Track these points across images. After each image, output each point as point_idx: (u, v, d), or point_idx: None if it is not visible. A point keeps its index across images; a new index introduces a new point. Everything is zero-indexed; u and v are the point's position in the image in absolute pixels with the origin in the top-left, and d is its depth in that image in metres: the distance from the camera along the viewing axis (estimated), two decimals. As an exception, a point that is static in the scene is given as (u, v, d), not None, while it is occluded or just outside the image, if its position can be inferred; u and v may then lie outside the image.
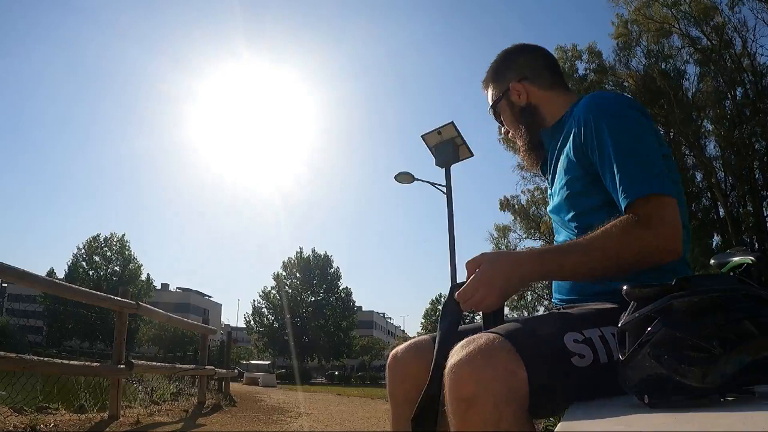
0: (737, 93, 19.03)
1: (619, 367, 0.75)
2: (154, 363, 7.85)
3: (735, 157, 18.62)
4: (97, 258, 43.64)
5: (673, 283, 0.70)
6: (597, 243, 0.96)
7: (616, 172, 1.01)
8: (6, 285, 44.88)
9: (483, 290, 0.95)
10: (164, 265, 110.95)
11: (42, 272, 5.67)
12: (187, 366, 7.84)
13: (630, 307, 0.75)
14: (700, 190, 20.23)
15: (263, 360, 38.24)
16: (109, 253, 43.96)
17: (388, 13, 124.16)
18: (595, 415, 0.74)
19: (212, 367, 7.10)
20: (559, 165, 1.19)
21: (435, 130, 7.79)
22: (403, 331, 79.06)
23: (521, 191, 24.05)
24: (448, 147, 7.79)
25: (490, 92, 1.36)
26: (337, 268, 44.19)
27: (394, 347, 1.28)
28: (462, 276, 1.19)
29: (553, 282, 1.22)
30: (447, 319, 1.05)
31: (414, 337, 1.32)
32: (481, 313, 1.03)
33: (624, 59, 20.62)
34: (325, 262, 43.82)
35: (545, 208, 1.44)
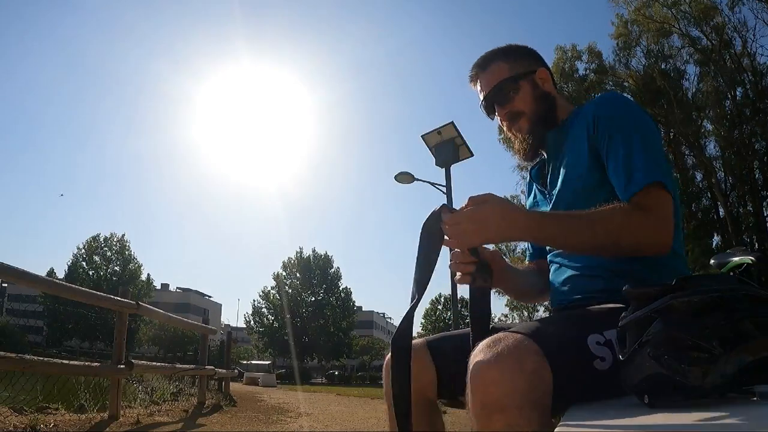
0: (737, 93, 19.04)
1: (619, 367, 0.75)
2: (154, 363, 7.86)
3: (735, 157, 18.62)
4: (97, 258, 43.63)
5: (673, 283, 0.70)
6: (598, 220, 0.97)
7: (623, 161, 1.02)
8: (6, 285, 44.85)
9: (471, 226, 0.94)
10: (164, 265, 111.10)
11: (42, 272, 5.68)
12: (187, 366, 7.84)
13: (630, 307, 0.75)
14: (700, 190, 20.24)
15: (263, 360, 38.24)
16: (109, 253, 43.96)
17: (388, 13, 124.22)
18: (595, 415, 0.74)
19: (212, 367, 7.10)
20: (568, 163, 1.16)
21: (435, 130, 7.79)
22: (403, 331, 78.84)
23: (521, 191, 24.03)
24: (448, 147, 7.79)
25: (497, 70, 1.25)
26: (338, 268, 44.23)
27: (392, 349, 1.28)
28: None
29: (553, 284, 1.22)
30: (429, 241, 1.01)
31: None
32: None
33: (624, 59, 20.64)
34: (325, 262, 43.83)
35: (544, 208, 1.39)
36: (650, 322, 0.70)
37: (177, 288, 66.24)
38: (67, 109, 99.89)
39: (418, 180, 8.88)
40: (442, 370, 1.15)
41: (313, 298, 42.63)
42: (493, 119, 1.31)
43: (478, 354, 0.82)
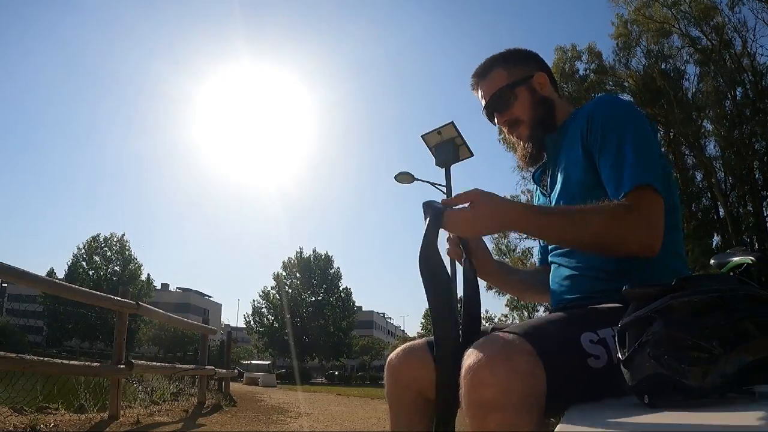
0: (737, 93, 19.04)
1: (619, 367, 0.75)
2: (154, 363, 7.86)
3: (735, 157, 18.61)
4: (97, 258, 43.62)
5: (673, 283, 0.70)
6: (586, 215, 0.98)
7: (615, 160, 1.02)
8: (6, 285, 44.86)
9: (464, 225, 1.00)
10: (164, 265, 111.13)
11: (42, 272, 5.68)
12: (187, 366, 7.84)
13: (630, 307, 0.75)
14: (700, 190, 20.23)
15: (263, 360, 38.21)
16: (109, 253, 43.94)
17: (388, 13, 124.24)
18: (595, 415, 0.74)
19: (212, 367, 7.10)
20: (565, 166, 1.17)
21: (435, 130, 7.79)
22: (403, 331, 79.03)
23: (521, 191, 24.02)
24: (448, 147, 7.78)
25: (495, 77, 1.27)
26: (338, 268, 44.22)
27: (394, 347, 1.29)
28: (461, 273, 1.20)
29: (553, 283, 1.22)
30: (432, 220, 1.02)
31: (414, 338, 1.33)
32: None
33: (624, 59, 20.62)
34: (325, 262, 43.82)
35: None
36: (650, 322, 0.70)
37: (177, 288, 66.28)
38: (67, 109, 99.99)
39: (418, 180, 8.88)
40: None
41: (313, 298, 42.62)
42: (495, 125, 1.33)
43: (472, 354, 0.82)
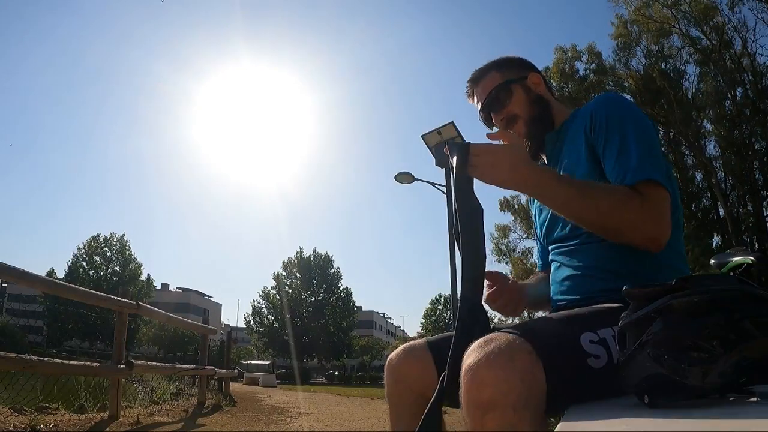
0: (737, 93, 19.05)
1: (619, 367, 0.75)
2: (154, 363, 7.85)
3: (735, 157, 18.62)
4: (97, 258, 43.64)
5: (673, 283, 0.70)
6: (597, 193, 0.98)
7: (620, 155, 1.03)
8: (6, 285, 44.86)
9: (487, 162, 0.96)
10: (164, 265, 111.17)
11: (42, 272, 5.68)
12: (187, 366, 7.85)
13: (630, 307, 0.75)
14: (700, 190, 20.24)
15: (263, 360, 38.23)
16: (109, 253, 43.97)
17: (388, 13, 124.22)
18: (595, 415, 0.74)
19: (212, 367, 7.10)
20: (567, 164, 1.17)
21: (435, 130, 7.78)
22: (403, 331, 79.05)
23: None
24: (448, 147, 7.77)
25: (490, 80, 1.29)
26: (338, 268, 44.24)
27: (394, 347, 1.29)
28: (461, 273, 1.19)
29: (553, 283, 1.22)
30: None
31: (414, 338, 1.33)
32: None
33: (624, 59, 20.64)
34: (325, 262, 43.83)
35: (546, 212, 1.39)
36: (650, 322, 0.70)
37: (177, 288, 66.28)
38: (68, 110, 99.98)
39: (418, 180, 8.87)
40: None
41: (313, 298, 42.63)
42: (492, 129, 1.31)
43: (471, 354, 0.82)
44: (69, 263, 43.11)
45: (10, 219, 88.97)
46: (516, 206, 24.47)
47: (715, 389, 0.66)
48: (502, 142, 1.12)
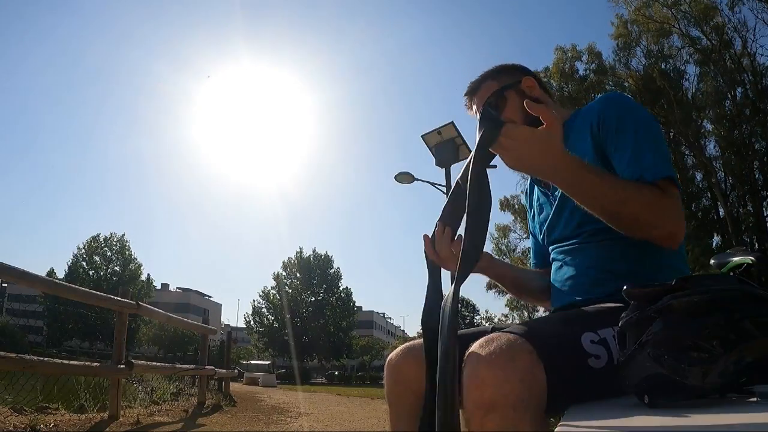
0: (737, 93, 19.04)
1: (619, 367, 0.75)
2: (154, 363, 7.85)
3: (735, 157, 18.62)
4: (97, 258, 43.64)
5: (673, 283, 0.70)
6: (622, 184, 0.96)
7: (632, 157, 1.02)
8: (6, 285, 44.85)
9: (516, 151, 0.92)
10: (164, 265, 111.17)
11: (42, 272, 5.67)
12: (187, 366, 7.84)
13: (630, 307, 0.75)
14: (700, 190, 20.24)
15: (263, 360, 38.23)
16: (109, 253, 43.96)
17: (388, 13, 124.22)
18: (595, 415, 0.74)
19: (212, 367, 7.10)
20: None
21: (435, 130, 7.79)
22: (403, 331, 79.01)
23: (521, 191, 24.06)
24: (448, 147, 7.79)
25: (486, 89, 1.30)
26: (338, 268, 44.23)
27: (394, 347, 1.29)
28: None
29: (554, 283, 1.22)
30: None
31: (413, 338, 1.33)
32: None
33: (624, 59, 20.65)
34: (325, 262, 43.82)
35: (547, 210, 1.39)
36: (650, 322, 0.70)
37: (177, 288, 66.26)
38: (68, 110, 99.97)
39: (418, 180, 8.87)
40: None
41: (313, 298, 42.62)
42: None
43: (472, 354, 0.82)
44: (69, 263, 43.11)
45: (10, 219, 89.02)
46: (516, 206, 24.48)
47: (715, 389, 0.66)
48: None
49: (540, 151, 0.92)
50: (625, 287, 0.76)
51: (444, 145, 7.84)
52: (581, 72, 21.38)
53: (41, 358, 3.39)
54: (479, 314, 49.48)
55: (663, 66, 19.96)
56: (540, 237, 1.33)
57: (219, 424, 4.95)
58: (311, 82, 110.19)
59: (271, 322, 42.17)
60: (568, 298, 1.15)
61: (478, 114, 1.30)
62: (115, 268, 43.68)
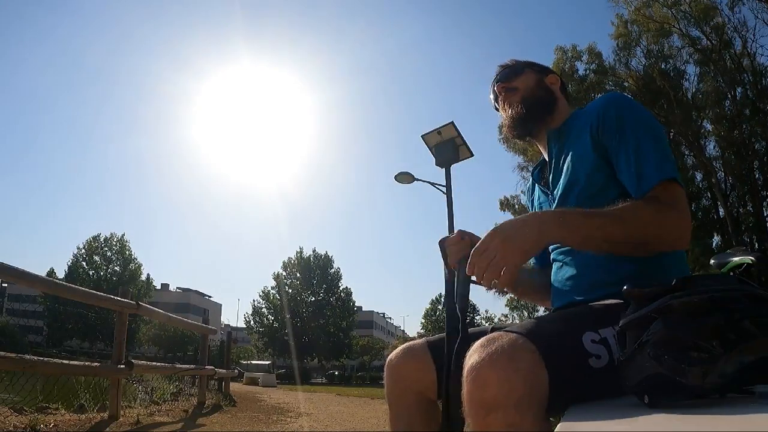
0: (737, 93, 19.03)
1: (619, 367, 0.75)
2: (154, 363, 7.85)
3: (735, 157, 18.61)
4: (97, 258, 43.64)
5: (673, 283, 0.70)
6: (620, 214, 0.96)
7: (634, 159, 1.03)
8: (6, 285, 44.87)
9: (505, 256, 0.89)
10: (164, 265, 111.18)
11: (42, 272, 5.67)
12: (187, 366, 7.84)
13: (630, 307, 0.75)
14: (700, 190, 20.23)
15: (263, 360, 38.23)
16: (109, 253, 43.96)
17: (388, 13, 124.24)
18: (595, 415, 0.74)
19: (212, 367, 7.10)
20: (571, 163, 1.16)
21: (435, 130, 7.79)
22: (403, 331, 79.01)
23: (521, 191, 24.03)
24: (448, 147, 7.79)
25: (514, 68, 1.35)
26: (338, 268, 44.22)
27: (394, 347, 1.29)
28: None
29: (555, 282, 1.22)
30: (459, 288, 1.02)
31: (414, 338, 1.33)
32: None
33: (624, 59, 20.62)
34: (325, 262, 43.81)
35: (545, 208, 1.39)
36: (650, 322, 0.70)
37: (177, 288, 66.23)
38: (68, 110, 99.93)
39: (418, 180, 8.87)
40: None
41: (313, 298, 42.61)
42: (497, 103, 1.36)
43: (474, 354, 0.82)
44: (69, 263, 43.12)
45: (11, 219, 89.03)
46: (516, 206, 24.43)
47: (715, 389, 0.66)
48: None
49: (521, 230, 0.93)
50: (625, 287, 0.76)
51: (444, 145, 7.84)
52: (581, 72, 21.36)
53: (41, 358, 3.39)
54: (479, 314, 49.54)
55: (663, 66, 19.95)
56: None
57: (219, 424, 4.95)
58: (311, 82, 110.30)
59: (271, 322, 42.16)
60: (568, 299, 1.15)
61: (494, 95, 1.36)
62: (115, 268, 43.68)
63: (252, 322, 42.87)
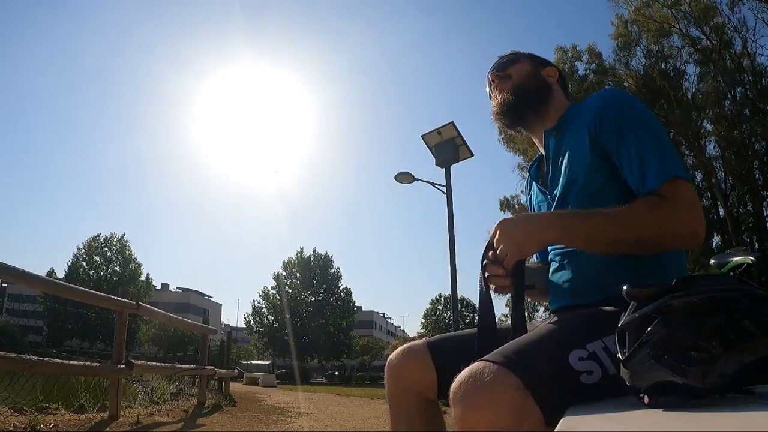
0: (737, 93, 19.03)
1: (619, 367, 0.75)
2: (154, 363, 7.85)
3: (735, 157, 18.61)
4: (97, 258, 43.64)
5: (672, 283, 0.70)
6: (622, 215, 0.96)
7: (639, 156, 1.01)
8: (6, 285, 44.86)
9: (504, 246, 1.00)
10: (164, 265, 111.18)
11: (42, 272, 5.67)
12: (187, 366, 7.84)
13: (630, 307, 0.75)
14: (700, 190, 20.21)
15: (263, 360, 38.21)
16: (109, 253, 43.96)
17: (388, 13, 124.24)
18: (595, 415, 0.74)
19: (212, 367, 7.10)
20: (569, 161, 1.14)
21: (435, 130, 7.80)
22: (403, 331, 78.99)
23: (521, 191, 24.03)
24: (448, 147, 7.80)
25: (510, 58, 1.34)
26: (338, 268, 44.22)
27: (395, 347, 1.30)
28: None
29: (553, 282, 1.22)
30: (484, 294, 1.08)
31: (414, 338, 1.34)
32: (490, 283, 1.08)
33: (624, 59, 20.63)
34: (325, 262, 43.81)
35: (545, 209, 1.39)
36: (650, 322, 0.70)
37: (177, 288, 66.22)
38: (68, 110, 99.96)
39: (418, 180, 8.87)
40: (443, 371, 1.15)
41: (313, 298, 42.61)
42: (490, 90, 1.35)
43: (457, 394, 0.81)
44: (69, 263, 43.12)
45: (11, 219, 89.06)
46: (516, 206, 24.43)
47: (715, 389, 0.66)
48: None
49: (525, 231, 1.01)
50: (625, 287, 0.75)
51: (444, 145, 7.84)
52: (581, 72, 21.36)
53: (41, 358, 3.39)
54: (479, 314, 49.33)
55: (663, 66, 19.95)
56: None
57: (219, 424, 4.95)
58: (311, 82, 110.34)
59: (271, 322, 42.16)
60: (565, 301, 1.15)
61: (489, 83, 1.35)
62: (115, 268, 43.69)
63: (252, 322, 42.87)
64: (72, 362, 4.25)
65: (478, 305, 1.13)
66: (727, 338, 0.65)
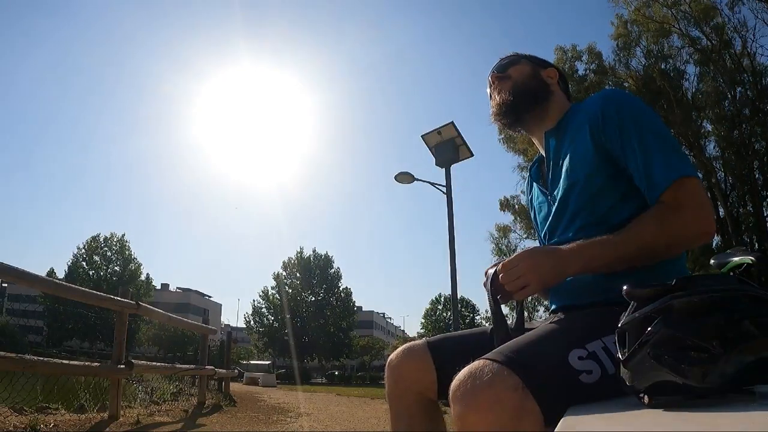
0: (737, 93, 19.02)
1: (618, 367, 0.75)
2: (154, 363, 7.85)
3: (735, 157, 18.61)
4: (97, 258, 43.63)
5: (673, 283, 0.70)
6: (634, 235, 0.97)
7: (644, 158, 1.01)
8: (6, 285, 44.81)
9: (527, 276, 0.97)
10: (164, 265, 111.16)
11: (42, 272, 5.67)
12: (187, 366, 7.84)
13: (630, 307, 0.75)
14: (700, 191, 20.20)
15: (263, 360, 38.22)
16: (109, 253, 43.95)
17: (388, 14, 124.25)
18: (595, 415, 0.74)
19: (212, 367, 7.10)
20: (570, 162, 1.13)
21: (435, 130, 7.79)
22: (403, 331, 79.02)
23: (521, 191, 24.02)
24: (448, 147, 7.79)
25: (511, 59, 1.34)
26: (338, 268, 44.22)
27: (395, 347, 1.30)
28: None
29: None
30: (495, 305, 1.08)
31: (414, 338, 1.34)
32: (493, 301, 1.07)
33: (624, 59, 20.61)
34: (325, 262, 43.80)
35: (546, 209, 1.38)
36: (650, 322, 0.70)
37: (177, 288, 66.18)
38: (68, 110, 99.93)
39: (418, 180, 8.86)
40: (443, 371, 1.15)
41: (313, 298, 42.60)
42: (490, 91, 1.35)
43: (456, 394, 0.81)
44: (69, 263, 43.11)
45: (11, 219, 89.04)
46: (516, 206, 24.43)
47: (715, 389, 0.66)
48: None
49: (546, 264, 0.99)
50: (625, 287, 0.75)
51: (444, 145, 7.84)
52: (581, 72, 21.34)
53: (41, 358, 3.38)
54: (479, 314, 49.53)
55: (663, 66, 19.94)
56: (541, 236, 1.33)
57: (219, 424, 4.95)
58: (311, 82, 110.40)
59: (271, 322, 42.15)
60: (566, 301, 1.15)
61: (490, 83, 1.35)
62: (115, 268, 43.68)
63: (252, 322, 42.86)
64: (72, 362, 4.25)
65: (491, 316, 1.13)
66: (727, 338, 0.65)
